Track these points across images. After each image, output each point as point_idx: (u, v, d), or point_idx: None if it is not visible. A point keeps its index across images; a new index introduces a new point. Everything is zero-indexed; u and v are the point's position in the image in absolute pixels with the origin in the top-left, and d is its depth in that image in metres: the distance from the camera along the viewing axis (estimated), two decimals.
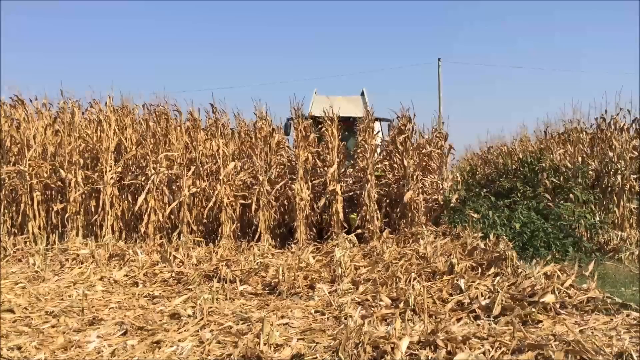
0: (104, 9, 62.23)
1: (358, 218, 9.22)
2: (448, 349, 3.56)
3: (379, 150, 10.67)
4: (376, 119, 11.02)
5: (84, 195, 9.20)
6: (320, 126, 9.85)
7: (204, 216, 9.38)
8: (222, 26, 67.53)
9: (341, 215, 9.05)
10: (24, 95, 9.91)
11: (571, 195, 9.21)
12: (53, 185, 9.43)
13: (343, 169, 9.96)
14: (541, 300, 4.47)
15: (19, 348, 4.02)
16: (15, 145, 9.59)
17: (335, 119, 9.45)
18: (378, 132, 10.47)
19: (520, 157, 11.14)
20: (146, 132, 9.63)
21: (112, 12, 61.39)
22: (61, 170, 9.17)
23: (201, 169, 9.32)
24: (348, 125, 10.87)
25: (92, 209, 9.25)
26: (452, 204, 8.88)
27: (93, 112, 9.68)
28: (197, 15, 67.05)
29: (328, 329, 4.29)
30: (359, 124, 9.84)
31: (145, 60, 64.27)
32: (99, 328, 4.47)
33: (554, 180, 9.65)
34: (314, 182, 9.40)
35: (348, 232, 8.86)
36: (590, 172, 9.80)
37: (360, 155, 9.38)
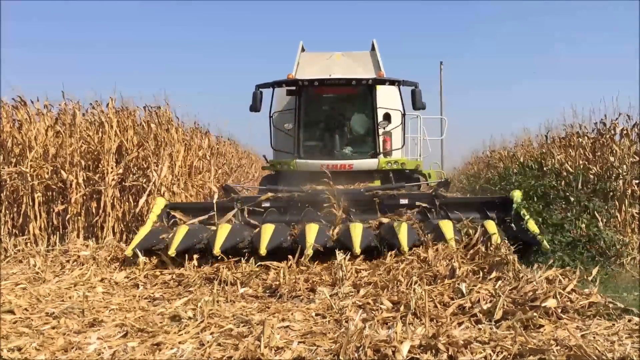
0: (102, 9, 62.46)
1: None
2: (449, 353, 3.56)
3: (397, 131, 9.17)
4: (392, 82, 8.83)
5: (85, 197, 9.19)
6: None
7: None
8: (221, 28, 67.80)
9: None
10: (26, 96, 9.92)
11: (572, 200, 9.18)
12: (54, 187, 9.41)
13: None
14: (543, 304, 4.46)
15: (19, 349, 4.02)
16: (17, 147, 9.59)
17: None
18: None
19: (522, 161, 11.13)
20: (148, 133, 9.64)
21: (112, 12, 61.61)
22: (62, 172, 9.16)
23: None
24: (351, 92, 8.75)
25: (93, 211, 9.23)
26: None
27: (94, 114, 9.69)
28: (196, 16, 67.31)
29: (329, 332, 4.28)
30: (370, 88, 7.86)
31: (145, 60, 64.51)
32: (99, 330, 4.47)
33: (555, 184, 9.62)
34: None
35: None
36: (592, 177, 9.78)
37: None
